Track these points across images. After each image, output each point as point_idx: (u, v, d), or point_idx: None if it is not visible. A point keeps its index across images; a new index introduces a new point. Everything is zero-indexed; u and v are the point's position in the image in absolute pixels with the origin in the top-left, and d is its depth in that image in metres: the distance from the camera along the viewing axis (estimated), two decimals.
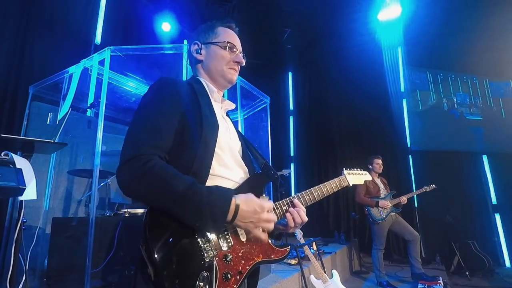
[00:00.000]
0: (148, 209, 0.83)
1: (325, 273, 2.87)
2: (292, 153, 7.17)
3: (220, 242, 0.87)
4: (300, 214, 0.97)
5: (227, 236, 0.88)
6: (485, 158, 5.96)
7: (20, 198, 1.56)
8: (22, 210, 1.72)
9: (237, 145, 1.08)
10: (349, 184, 1.24)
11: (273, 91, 5.82)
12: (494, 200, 5.69)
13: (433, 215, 5.44)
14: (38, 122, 3.30)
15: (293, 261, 3.35)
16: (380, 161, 4.14)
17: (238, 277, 0.85)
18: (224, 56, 1.08)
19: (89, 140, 3.46)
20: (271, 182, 1.07)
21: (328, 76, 6.91)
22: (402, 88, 6.26)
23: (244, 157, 1.07)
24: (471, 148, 6.04)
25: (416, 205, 5.58)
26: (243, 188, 0.96)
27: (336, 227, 6.09)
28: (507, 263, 5.25)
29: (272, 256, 0.95)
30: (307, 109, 7.26)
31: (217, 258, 0.83)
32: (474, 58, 5.87)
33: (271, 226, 0.87)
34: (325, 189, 1.13)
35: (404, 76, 6.32)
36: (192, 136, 0.89)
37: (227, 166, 0.97)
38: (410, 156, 5.94)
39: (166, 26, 5.26)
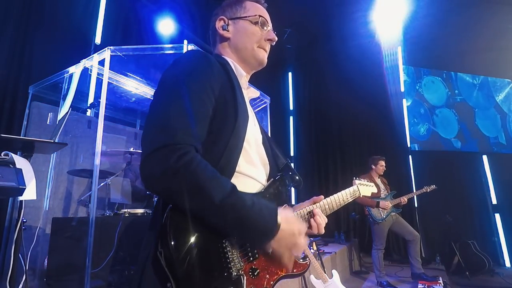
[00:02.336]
0: (170, 208, 0.70)
1: (325, 273, 2.87)
2: (292, 153, 7.17)
3: (247, 251, 0.78)
4: (322, 224, 0.90)
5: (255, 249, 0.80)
6: (485, 158, 5.96)
7: (20, 198, 1.56)
8: (22, 210, 1.72)
9: (260, 139, 0.96)
10: (360, 195, 1.18)
11: (273, 91, 5.82)
12: (494, 200, 5.69)
13: (433, 215, 5.44)
14: (38, 122, 3.30)
15: None
16: (384, 163, 4.12)
17: None
18: (255, 33, 0.97)
19: (89, 140, 3.46)
20: (292, 186, 0.97)
21: (328, 76, 6.91)
22: (402, 88, 6.26)
23: (267, 153, 0.96)
24: (472, 148, 6.05)
25: (416, 205, 5.58)
26: (270, 192, 0.88)
27: (336, 227, 6.08)
28: (507, 263, 5.25)
29: (295, 270, 0.89)
30: (307, 109, 7.26)
31: (243, 272, 0.74)
32: (474, 57, 5.88)
33: (300, 252, 0.79)
34: (342, 200, 1.06)
35: (404, 76, 6.32)
36: (224, 126, 0.78)
37: (253, 164, 0.87)
38: (410, 156, 5.94)
39: (166, 26, 5.26)
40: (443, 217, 4.99)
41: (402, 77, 6.28)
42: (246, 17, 0.97)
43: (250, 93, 1.03)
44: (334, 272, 2.90)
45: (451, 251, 4.73)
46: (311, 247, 3.53)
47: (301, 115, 7.31)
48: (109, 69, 2.69)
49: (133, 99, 3.90)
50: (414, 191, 4.93)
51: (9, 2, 3.28)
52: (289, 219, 0.75)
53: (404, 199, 3.97)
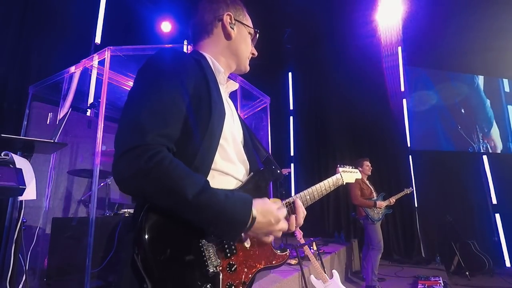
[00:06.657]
0: (146, 208, 0.69)
1: (325, 273, 2.87)
2: (292, 153, 7.17)
3: (224, 248, 0.77)
4: (300, 217, 0.89)
5: (231, 242, 0.79)
6: (485, 158, 5.96)
7: (20, 198, 1.56)
8: (22, 210, 1.72)
9: (239, 135, 0.94)
10: (343, 183, 1.20)
11: (273, 91, 5.81)
12: (494, 200, 5.69)
13: (433, 215, 5.44)
14: (38, 122, 3.30)
15: (293, 261, 3.35)
16: (369, 163, 4.25)
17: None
18: (249, 45, 0.97)
19: (89, 140, 3.46)
20: (273, 180, 0.97)
21: (328, 76, 6.91)
22: (402, 88, 6.26)
23: (247, 148, 0.94)
24: (471, 148, 6.05)
25: (416, 205, 5.58)
26: (247, 187, 0.87)
27: (336, 227, 6.08)
28: (507, 263, 5.25)
29: (274, 262, 0.90)
30: (307, 109, 7.25)
31: (221, 268, 0.74)
32: (474, 57, 5.88)
33: (280, 234, 0.80)
34: (324, 189, 1.07)
35: (404, 76, 6.33)
36: (197, 124, 0.75)
37: (230, 160, 0.85)
38: (410, 156, 5.94)
39: (166, 26, 5.26)
40: (443, 217, 5.00)
41: (402, 77, 6.28)
42: (248, 26, 0.96)
43: (229, 86, 0.99)
44: (334, 272, 2.90)
45: (451, 251, 4.73)
46: (311, 247, 3.53)
47: (301, 115, 7.30)
48: (109, 69, 2.68)
49: None
50: (414, 191, 4.99)
51: (9, 2, 3.28)
52: (265, 210, 0.75)
53: (392, 200, 4.12)
